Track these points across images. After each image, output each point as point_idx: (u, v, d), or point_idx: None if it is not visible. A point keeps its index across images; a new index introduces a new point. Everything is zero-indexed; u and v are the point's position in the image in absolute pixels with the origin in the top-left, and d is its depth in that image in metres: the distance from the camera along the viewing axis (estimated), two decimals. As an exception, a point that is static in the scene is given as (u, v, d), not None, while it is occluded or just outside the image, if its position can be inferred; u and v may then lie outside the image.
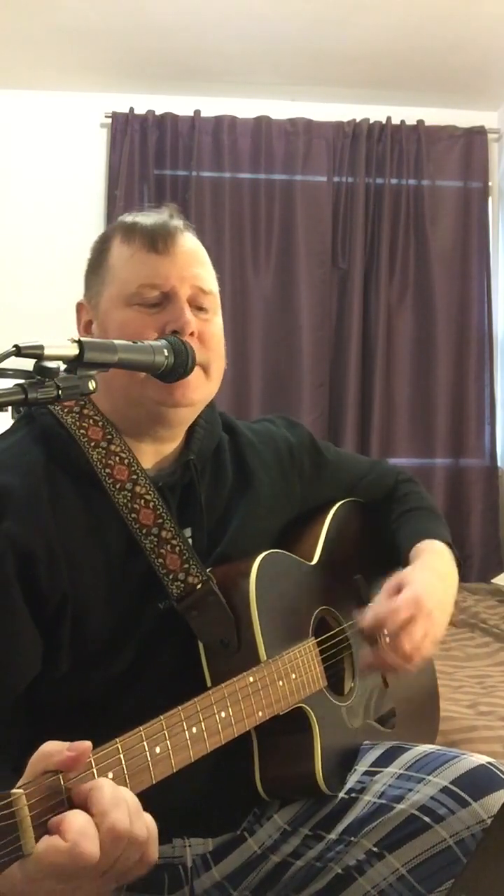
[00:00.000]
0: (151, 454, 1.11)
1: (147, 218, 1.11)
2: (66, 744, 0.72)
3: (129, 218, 1.13)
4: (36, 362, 0.82)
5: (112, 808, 0.71)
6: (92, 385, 0.86)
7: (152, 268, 1.07)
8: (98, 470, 1.04)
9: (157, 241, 1.08)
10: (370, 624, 1.14)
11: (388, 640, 1.11)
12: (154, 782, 0.81)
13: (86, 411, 1.07)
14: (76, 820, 0.69)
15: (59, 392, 0.82)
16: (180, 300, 1.06)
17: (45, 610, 0.98)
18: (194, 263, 1.10)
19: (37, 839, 0.67)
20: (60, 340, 0.85)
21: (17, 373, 0.82)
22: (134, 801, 0.74)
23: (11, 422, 1.13)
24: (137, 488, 1.05)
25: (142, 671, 1.04)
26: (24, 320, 3.62)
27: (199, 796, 1.05)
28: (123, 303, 1.07)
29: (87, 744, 0.73)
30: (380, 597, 1.17)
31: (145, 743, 0.81)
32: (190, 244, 1.11)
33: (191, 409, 1.10)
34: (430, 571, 1.21)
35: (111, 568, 1.03)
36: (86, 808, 0.71)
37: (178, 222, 1.11)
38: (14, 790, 0.67)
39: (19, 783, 0.70)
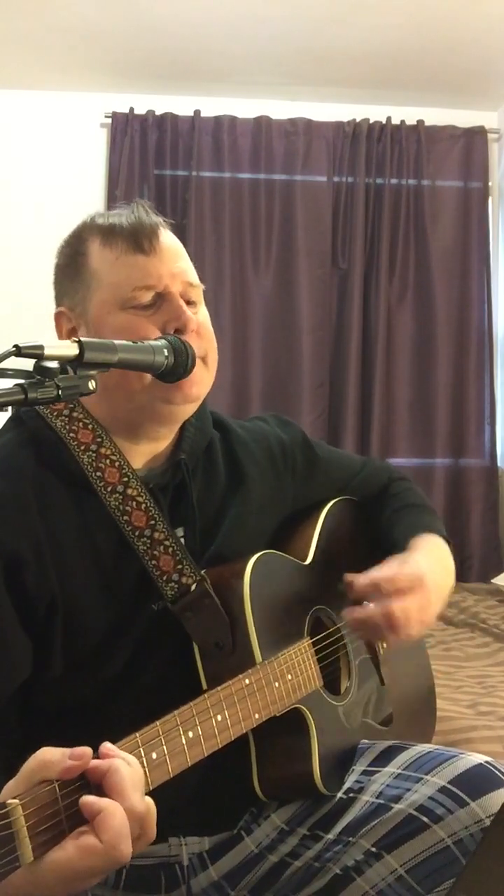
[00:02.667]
0: (142, 454, 1.10)
1: (122, 218, 1.09)
2: (66, 751, 0.72)
3: (101, 220, 1.10)
4: (36, 362, 0.82)
5: (132, 792, 0.72)
6: (92, 385, 0.86)
7: (142, 269, 1.05)
8: (89, 473, 1.03)
9: (142, 241, 1.06)
10: (365, 584, 1.12)
11: (380, 604, 1.09)
12: (151, 787, 0.80)
13: (75, 414, 1.06)
14: (114, 820, 0.69)
15: (59, 392, 0.82)
16: (176, 298, 1.06)
17: (34, 613, 0.98)
18: (178, 258, 1.09)
19: (33, 849, 0.67)
20: (60, 340, 0.85)
21: (17, 373, 0.81)
22: (140, 777, 0.76)
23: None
24: (129, 490, 1.04)
25: (136, 673, 1.03)
26: (24, 320, 3.63)
27: (195, 795, 1.05)
28: (118, 307, 1.05)
29: (88, 750, 0.73)
30: (379, 566, 1.15)
31: (141, 749, 0.81)
32: (171, 240, 1.10)
33: (195, 405, 1.10)
34: (434, 559, 1.21)
35: (103, 570, 1.03)
36: (100, 787, 0.72)
37: (155, 218, 1.10)
38: (10, 801, 0.67)
39: (15, 792, 0.70)
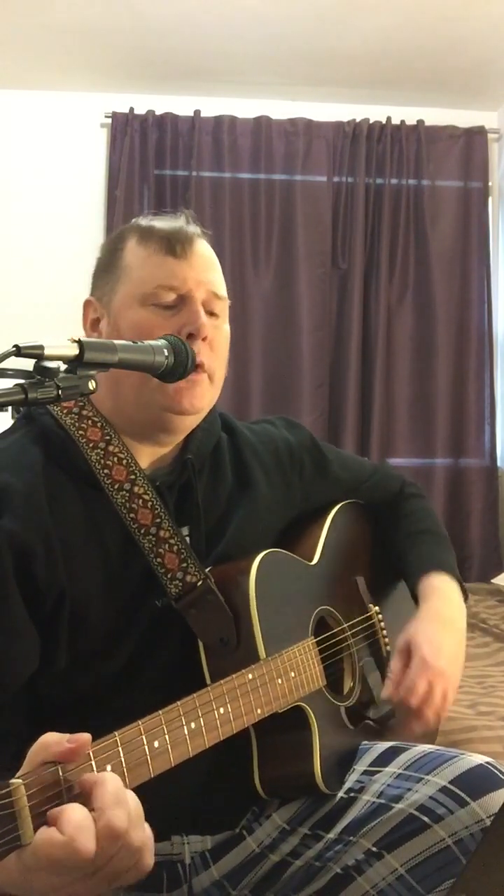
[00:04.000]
0: (149, 454, 1.11)
1: (164, 222, 1.12)
2: (66, 735, 0.73)
3: (144, 221, 1.14)
4: (36, 362, 0.82)
5: (113, 805, 0.71)
6: (92, 385, 0.87)
7: (170, 270, 1.08)
8: (97, 470, 1.04)
9: (175, 244, 1.08)
10: (391, 698, 1.16)
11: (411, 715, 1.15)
12: (152, 776, 0.81)
13: (84, 412, 1.07)
14: (74, 814, 0.69)
15: (59, 392, 0.83)
16: (196, 303, 1.07)
17: (42, 606, 0.99)
18: (210, 269, 1.11)
19: (35, 829, 0.68)
20: (60, 340, 0.85)
21: (17, 373, 0.82)
22: (136, 806, 0.74)
23: (11, 422, 1.13)
24: (136, 488, 1.05)
25: (139, 668, 1.04)
26: (24, 320, 3.63)
27: (197, 794, 1.06)
28: (139, 302, 1.07)
29: (87, 736, 0.73)
30: (393, 662, 1.19)
31: (144, 737, 0.81)
32: (206, 250, 1.12)
33: (195, 417, 1.11)
34: (437, 621, 1.21)
35: (109, 566, 1.03)
36: (87, 800, 0.71)
37: (194, 228, 1.12)
38: (13, 780, 0.68)
39: (18, 773, 0.71)
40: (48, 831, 0.68)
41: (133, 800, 0.74)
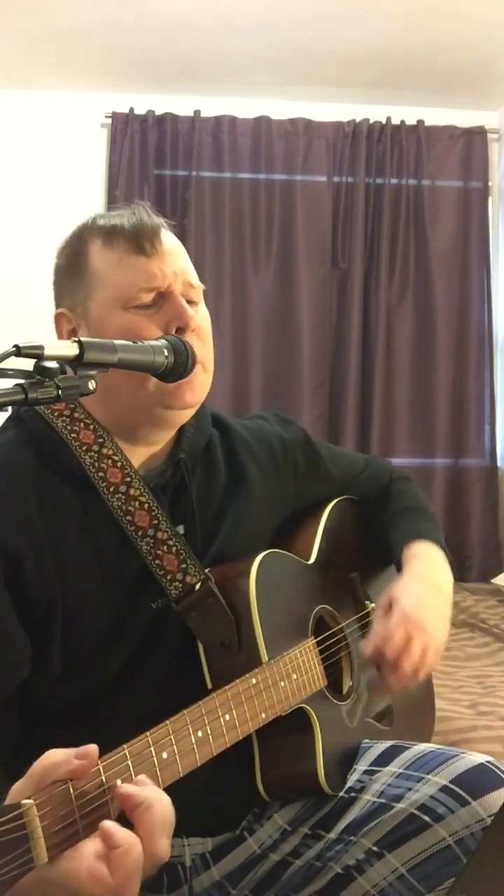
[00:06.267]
0: (142, 454, 1.10)
1: (124, 219, 1.09)
2: (71, 751, 0.71)
3: (102, 221, 1.11)
4: (36, 362, 0.82)
5: (159, 835, 0.71)
6: (92, 385, 0.86)
7: (145, 270, 1.06)
8: (91, 473, 1.03)
9: (143, 242, 1.06)
10: (371, 652, 1.15)
11: (388, 667, 1.13)
12: (162, 788, 0.80)
13: (76, 415, 1.06)
14: (128, 859, 0.68)
15: (59, 392, 0.82)
16: (177, 297, 1.06)
17: (33, 611, 0.98)
18: (180, 259, 1.10)
19: (48, 849, 0.67)
20: (60, 340, 0.85)
21: (17, 373, 0.81)
22: (171, 817, 0.74)
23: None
24: (132, 491, 1.04)
25: (136, 671, 1.03)
26: (24, 320, 3.63)
27: (198, 796, 1.05)
28: (120, 307, 1.05)
29: (93, 747, 0.72)
30: (375, 618, 1.18)
31: (152, 749, 0.81)
32: (172, 241, 1.11)
33: (194, 409, 1.11)
34: (420, 581, 1.21)
35: (104, 569, 1.03)
36: (131, 814, 0.71)
37: (156, 220, 1.10)
38: (25, 801, 0.67)
39: (26, 794, 0.69)
40: (98, 870, 0.68)
41: (167, 802, 0.74)
